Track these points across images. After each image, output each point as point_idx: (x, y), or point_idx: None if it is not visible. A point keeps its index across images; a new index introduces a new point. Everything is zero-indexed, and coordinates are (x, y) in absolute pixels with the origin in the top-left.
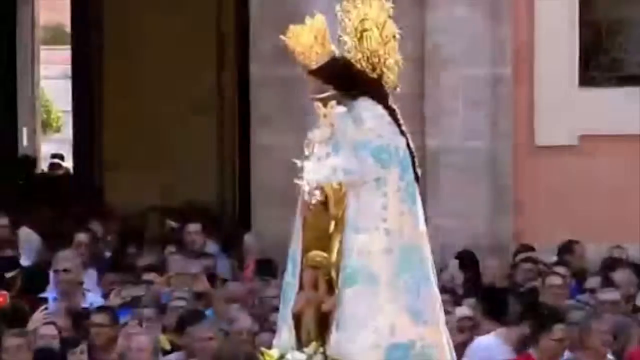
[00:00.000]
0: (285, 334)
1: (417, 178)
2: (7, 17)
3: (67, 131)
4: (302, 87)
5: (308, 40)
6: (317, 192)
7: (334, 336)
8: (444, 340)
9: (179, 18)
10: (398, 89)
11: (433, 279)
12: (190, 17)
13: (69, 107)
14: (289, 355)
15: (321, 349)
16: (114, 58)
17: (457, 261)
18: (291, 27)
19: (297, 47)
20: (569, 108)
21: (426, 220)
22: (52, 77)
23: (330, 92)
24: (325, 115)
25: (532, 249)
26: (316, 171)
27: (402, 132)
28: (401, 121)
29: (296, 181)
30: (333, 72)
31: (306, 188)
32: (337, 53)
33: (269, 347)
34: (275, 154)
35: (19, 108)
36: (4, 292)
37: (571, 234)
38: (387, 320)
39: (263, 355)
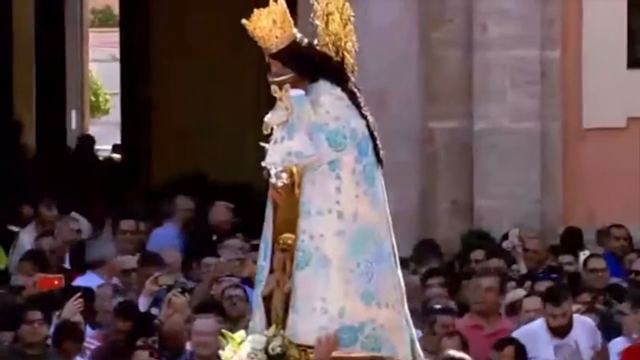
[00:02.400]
0: (258, 316)
1: (379, 161)
2: (55, 1)
3: (116, 114)
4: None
5: (267, 24)
6: (284, 175)
7: (289, 318)
8: (401, 322)
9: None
10: (355, 71)
11: (392, 261)
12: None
13: (117, 90)
14: (249, 337)
15: (281, 332)
16: (162, 41)
17: (516, 230)
18: (255, 10)
19: (256, 30)
20: (617, 90)
21: (473, 202)
22: (100, 60)
23: (288, 75)
24: (281, 99)
25: (579, 231)
26: (272, 154)
27: (363, 115)
28: (362, 104)
29: (263, 164)
30: (292, 56)
31: (272, 171)
32: (298, 37)
33: None
34: None
35: (68, 91)
36: (61, 276)
37: (619, 216)
38: (338, 302)
39: (226, 338)
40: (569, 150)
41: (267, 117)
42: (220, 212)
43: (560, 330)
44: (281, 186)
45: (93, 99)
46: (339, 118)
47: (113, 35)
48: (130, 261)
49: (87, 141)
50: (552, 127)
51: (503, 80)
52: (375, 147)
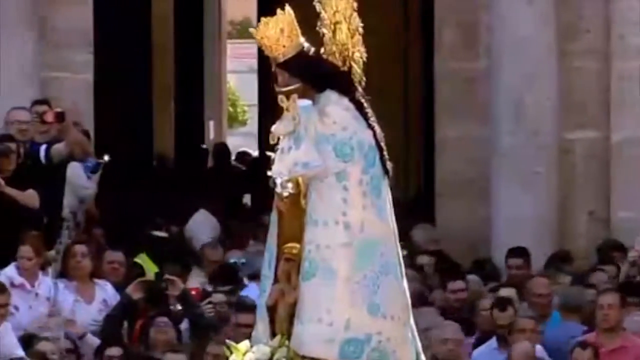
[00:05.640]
0: (261, 326)
1: (386, 172)
2: (194, 12)
3: (253, 125)
4: (485, 79)
5: (274, 33)
6: (289, 185)
7: (295, 329)
8: (407, 335)
9: (365, 9)
10: (363, 82)
11: (398, 273)
12: (377, 8)
13: (255, 101)
14: (254, 348)
15: (286, 342)
16: None
17: None
18: (262, 19)
19: (264, 39)
20: None
21: (610, 212)
22: (238, 71)
23: (296, 85)
24: (287, 109)
25: None
26: (278, 164)
27: (369, 126)
28: (369, 114)
29: (269, 173)
30: (300, 66)
31: (278, 181)
32: (305, 46)
33: None
34: (458, 146)
35: (206, 102)
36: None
37: None
38: (343, 314)
39: (230, 349)
40: None
41: (274, 127)
42: None
43: None
44: (287, 196)
45: (231, 109)
46: (346, 129)
47: (251, 47)
48: None
49: (224, 151)
50: None
51: None
52: (382, 158)
